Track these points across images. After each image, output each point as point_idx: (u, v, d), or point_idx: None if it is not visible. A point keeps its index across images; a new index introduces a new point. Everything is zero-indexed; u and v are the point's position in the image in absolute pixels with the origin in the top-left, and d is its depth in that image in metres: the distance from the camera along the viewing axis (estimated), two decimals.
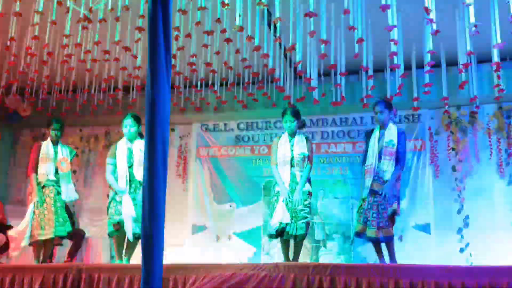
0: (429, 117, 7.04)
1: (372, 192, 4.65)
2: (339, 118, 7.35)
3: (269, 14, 5.29)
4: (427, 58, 4.77)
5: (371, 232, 4.58)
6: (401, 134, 4.81)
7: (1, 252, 6.94)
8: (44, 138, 5.65)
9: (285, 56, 6.29)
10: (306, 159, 4.87)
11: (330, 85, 6.14)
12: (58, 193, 5.28)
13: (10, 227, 7.00)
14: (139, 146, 5.00)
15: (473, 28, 4.23)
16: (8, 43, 5.24)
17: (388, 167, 4.68)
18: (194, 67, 5.86)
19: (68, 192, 5.34)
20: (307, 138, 5.02)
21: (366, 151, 4.88)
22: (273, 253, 7.05)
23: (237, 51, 5.49)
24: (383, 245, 4.71)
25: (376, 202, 4.63)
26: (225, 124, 7.75)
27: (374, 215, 4.58)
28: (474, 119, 6.87)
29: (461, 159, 6.82)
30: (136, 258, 4.84)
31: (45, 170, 5.27)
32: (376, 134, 4.85)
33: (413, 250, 6.13)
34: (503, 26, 4.54)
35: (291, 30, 4.84)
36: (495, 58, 4.65)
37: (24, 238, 5.17)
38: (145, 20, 4.54)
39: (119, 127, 5.27)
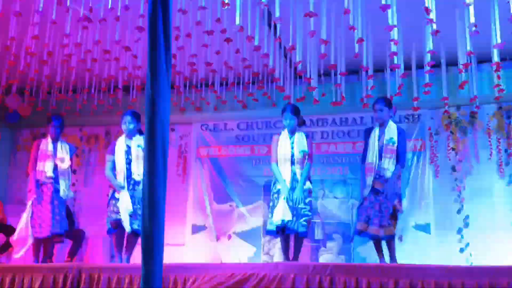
0: (429, 117, 7.03)
1: (374, 191, 4.64)
2: (339, 118, 7.35)
3: (269, 14, 5.29)
4: (427, 58, 4.77)
5: (373, 230, 4.57)
6: (400, 132, 4.80)
7: (1, 252, 6.95)
8: (44, 137, 5.62)
9: (285, 56, 6.29)
10: (307, 157, 4.84)
11: (330, 85, 6.14)
12: (57, 190, 5.25)
13: (10, 227, 7.01)
14: (137, 142, 5.00)
15: (473, 28, 4.23)
16: (8, 42, 5.24)
17: (389, 166, 4.66)
18: (194, 67, 5.86)
19: (66, 190, 5.31)
20: (307, 136, 4.99)
21: (365, 149, 4.85)
22: (273, 253, 7.05)
23: (237, 51, 5.48)
24: (384, 245, 4.71)
25: (378, 200, 4.61)
26: (225, 124, 7.75)
27: (377, 213, 4.58)
28: (474, 119, 6.87)
29: (461, 159, 6.82)
30: (136, 257, 4.85)
31: (44, 167, 5.23)
32: (375, 132, 4.82)
33: (413, 250, 6.13)
34: (503, 26, 4.55)
35: (291, 30, 4.84)
36: (495, 58, 4.66)
37: (28, 236, 5.16)
38: (145, 19, 4.54)
39: (119, 127, 5.27)
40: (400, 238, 6.45)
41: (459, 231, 6.57)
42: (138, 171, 4.91)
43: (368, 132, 4.91)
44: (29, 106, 7.64)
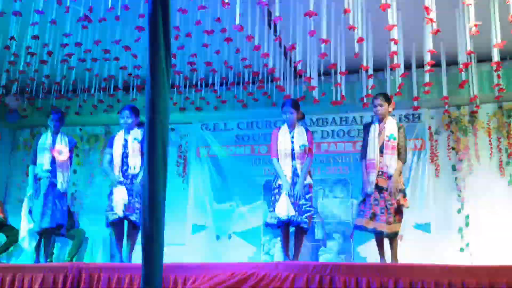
0: (429, 116, 7.03)
1: (378, 188, 4.61)
2: (339, 117, 7.35)
3: (269, 13, 5.29)
4: (427, 57, 4.77)
5: (379, 226, 4.53)
6: (400, 128, 4.77)
7: (1, 252, 6.96)
8: (45, 131, 5.56)
9: (285, 55, 6.29)
10: (307, 151, 4.80)
11: (330, 84, 6.14)
12: (53, 185, 5.18)
13: (10, 226, 7.02)
14: (134, 135, 5.00)
15: (473, 28, 4.22)
16: (8, 42, 5.24)
17: (391, 162, 4.63)
18: (194, 66, 5.86)
19: (64, 183, 5.21)
20: (306, 130, 4.92)
21: (365, 145, 4.79)
22: (273, 253, 7.05)
23: (237, 51, 5.48)
24: (386, 243, 4.69)
25: (382, 197, 4.58)
26: (225, 124, 7.75)
27: (382, 210, 4.54)
28: (474, 118, 6.87)
29: (461, 158, 6.82)
30: (136, 257, 4.85)
31: (41, 160, 5.20)
32: (375, 127, 4.76)
33: (413, 250, 6.13)
34: (503, 26, 4.54)
35: (291, 30, 4.84)
36: (495, 57, 4.66)
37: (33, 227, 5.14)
38: (145, 19, 4.54)
39: (119, 126, 5.27)
40: (400, 238, 6.44)
41: (460, 230, 6.57)
42: (134, 164, 4.91)
43: (367, 128, 4.85)
44: (29, 105, 7.65)
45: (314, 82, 5.56)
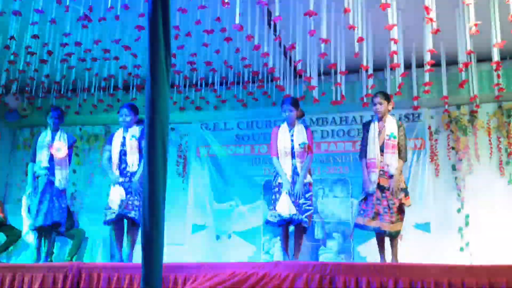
0: (429, 116, 7.03)
1: (379, 187, 4.61)
2: (339, 117, 7.35)
3: (269, 13, 5.29)
4: (427, 57, 4.77)
5: (383, 225, 4.53)
6: (400, 126, 4.76)
7: (1, 251, 6.96)
8: (45, 129, 5.54)
9: (285, 55, 6.29)
10: (306, 148, 4.77)
11: (330, 84, 6.14)
12: (51, 182, 5.15)
13: (10, 226, 7.02)
14: (132, 133, 4.99)
15: (473, 28, 4.22)
16: (8, 42, 5.24)
17: (392, 161, 4.62)
18: (194, 66, 5.86)
19: (62, 180, 5.16)
20: (306, 127, 4.89)
21: (365, 143, 4.77)
22: (273, 252, 7.05)
23: (237, 50, 5.48)
24: (387, 242, 4.69)
25: (385, 197, 4.58)
26: (225, 123, 7.75)
27: (386, 210, 4.54)
28: (474, 118, 6.87)
29: (461, 158, 6.82)
30: (136, 256, 4.85)
31: (40, 158, 5.17)
32: (375, 126, 4.74)
33: (413, 249, 6.13)
34: (503, 26, 4.55)
35: (291, 29, 4.84)
36: (495, 57, 4.66)
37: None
38: (144, 18, 4.53)
39: (119, 125, 5.27)
40: (400, 237, 6.44)
41: (459, 230, 6.57)
42: (132, 162, 4.91)
43: (367, 126, 4.83)
44: (29, 105, 7.64)
45: (314, 82, 5.55)
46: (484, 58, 5.94)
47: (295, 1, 4.86)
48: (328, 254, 6.95)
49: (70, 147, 5.34)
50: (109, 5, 4.58)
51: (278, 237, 5.05)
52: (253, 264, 3.91)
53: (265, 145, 7.23)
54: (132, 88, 6.72)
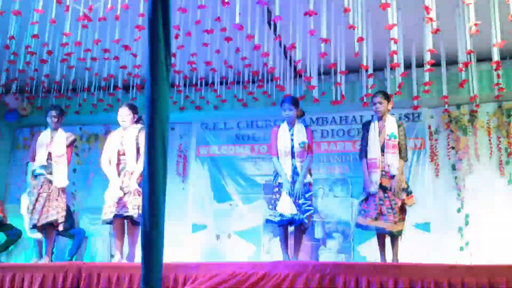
0: (429, 115, 7.03)
1: (382, 188, 4.60)
2: (339, 116, 7.35)
3: (269, 12, 5.29)
4: (427, 56, 4.77)
5: (387, 226, 4.52)
6: (400, 125, 4.75)
7: (1, 251, 6.96)
8: (45, 129, 5.52)
9: (285, 54, 6.29)
10: (306, 148, 4.75)
11: (330, 84, 6.14)
12: (49, 181, 5.09)
13: (9, 225, 7.02)
14: (131, 132, 4.98)
15: (473, 27, 4.23)
16: (8, 41, 5.24)
17: (392, 161, 4.61)
18: (194, 65, 5.86)
19: (60, 179, 5.09)
20: (306, 126, 4.88)
21: (365, 143, 4.76)
22: (273, 252, 7.05)
23: (237, 50, 5.48)
24: (387, 242, 4.69)
25: (387, 197, 4.57)
26: (225, 123, 7.75)
27: (389, 210, 4.54)
28: (474, 117, 6.87)
29: (461, 157, 6.82)
30: (136, 256, 4.85)
31: (39, 157, 5.13)
32: (375, 126, 4.73)
33: (413, 249, 6.13)
34: (503, 25, 4.55)
35: (291, 29, 4.84)
36: (495, 57, 4.66)
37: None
38: (144, 18, 4.53)
39: (119, 125, 5.26)
40: (401, 237, 6.45)
41: (459, 229, 6.57)
42: (130, 161, 4.90)
43: (366, 126, 4.82)
44: (28, 105, 7.64)
45: (314, 82, 5.56)
46: (484, 58, 5.94)
47: (295, 0, 4.86)
48: (328, 254, 6.95)
49: (69, 146, 5.30)
50: (109, 5, 4.58)
51: (278, 237, 5.04)
52: (253, 264, 3.91)
53: (265, 144, 7.23)
54: (132, 88, 6.72)
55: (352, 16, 4.41)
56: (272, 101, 6.76)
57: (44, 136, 5.27)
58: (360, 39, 4.65)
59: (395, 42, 4.55)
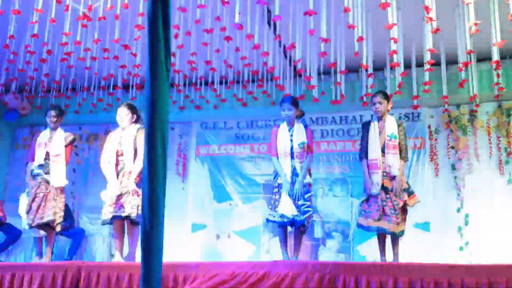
0: (429, 115, 7.03)
1: (383, 189, 4.58)
2: (339, 116, 7.35)
3: (269, 12, 5.29)
4: (427, 56, 4.77)
5: (390, 227, 4.52)
6: (400, 125, 4.75)
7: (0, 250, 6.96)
8: (45, 128, 5.52)
9: (285, 54, 6.28)
10: (306, 148, 4.73)
11: (330, 84, 6.14)
12: (47, 182, 5.07)
13: (9, 225, 7.02)
14: (130, 132, 4.97)
15: (473, 27, 4.23)
16: (8, 41, 5.24)
17: (393, 161, 4.60)
18: (193, 65, 5.85)
19: (58, 178, 5.07)
20: (305, 126, 4.86)
21: (365, 144, 4.75)
22: (273, 252, 7.05)
23: (237, 49, 5.48)
24: (388, 242, 4.69)
25: (389, 198, 4.57)
26: (224, 123, 7.75)
27: (392, 211, 4.54)
28: (474, 117, 6.87)
29: (461, 157, 6.82)
30: (136, 255, 4.85)
31: (37, 157, 5.12)
32: (375, 126, 4.72)
33: (413, 249, 6.13)
34: (503, 25, 4.55)
35: (291, 28, 4.84)
36: (495, 56, 4.66)
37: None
38: (144, 18, 4.53)
39: (118, 126, 5.26)
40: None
41: (459, 229, 6.57)
42: (128, 161, 4.89)
43: (366, 126, 4.80)
44: (28, 104, 7.64)
45: (313, 81, 5.56)
46: (484, 58, 5.95)
47: (295, 0, 4.85)
48: (328, 254, 6.95)
49: (68, 145, 5.28)
50: (109, 4, 4.58)
51: (277, 237, 5.03)
52: (253, 263, 3.91)
53: (265, 144, 7.23)
54: (132, 87, 6.72)
55: (352, 16, 4.40)
56: (272, 100, 6.76)
57: (43, 136, 5.27)
58: (360, 39, 4.65)
59: (395, 42, 4.55)
